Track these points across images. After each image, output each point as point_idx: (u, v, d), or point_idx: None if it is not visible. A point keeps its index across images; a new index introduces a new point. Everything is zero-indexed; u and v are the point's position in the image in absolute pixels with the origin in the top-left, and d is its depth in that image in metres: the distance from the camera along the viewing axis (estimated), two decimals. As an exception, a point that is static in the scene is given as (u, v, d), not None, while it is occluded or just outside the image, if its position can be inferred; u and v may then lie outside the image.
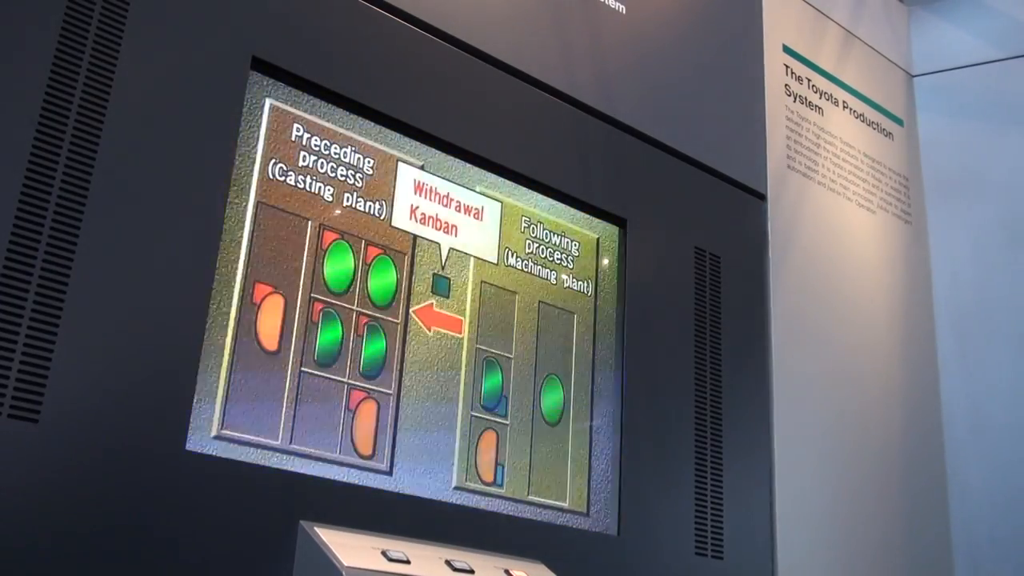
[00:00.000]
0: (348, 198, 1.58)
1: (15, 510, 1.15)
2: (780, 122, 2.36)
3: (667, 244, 2.01)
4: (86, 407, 1.23)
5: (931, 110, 2.79)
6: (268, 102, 1.52)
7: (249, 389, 1.41)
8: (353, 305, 1.55)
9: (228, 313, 1.41)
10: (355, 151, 1.61)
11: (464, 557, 1.45)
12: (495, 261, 1.72)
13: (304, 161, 1.54)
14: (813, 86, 2.49)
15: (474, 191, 1.74)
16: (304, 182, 1.54)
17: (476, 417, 1.65)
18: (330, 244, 1.55)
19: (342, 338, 1.52)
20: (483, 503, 1.61)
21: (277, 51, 1.52)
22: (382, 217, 1.61)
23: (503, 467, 1.66)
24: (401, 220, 1.63)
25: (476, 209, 1.74)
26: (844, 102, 2.58)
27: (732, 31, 2.34)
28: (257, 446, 1.40)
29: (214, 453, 1.35)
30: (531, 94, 1.87)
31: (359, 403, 1.52)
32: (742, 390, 2.05)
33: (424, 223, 1.66)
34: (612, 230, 1.94)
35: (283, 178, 1.52)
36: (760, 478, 2.02)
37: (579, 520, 1.73)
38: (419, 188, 1.67)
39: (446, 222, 1.69)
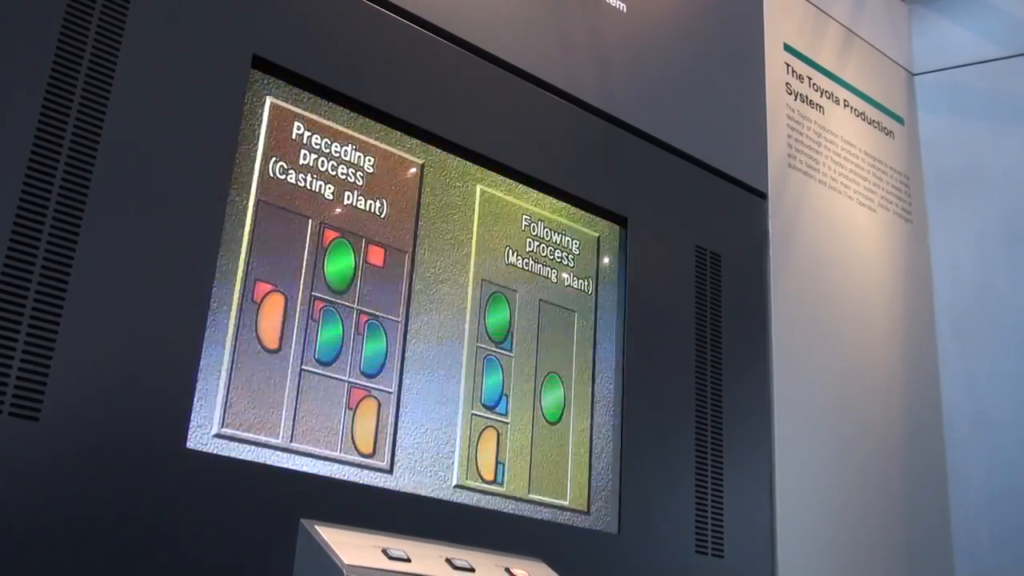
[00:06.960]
0: (349, 196, 1.58)
1: (16, 508, 1.15)
2: (781, 120, 2.36)
3: (668, 243, 2.01)
4: (87, 405, 1.23)
5: (932, 109, 2.79)
6: (269, 100, 1.52)
7: (250, 387, 1.41)
8: (354, 303, 1.55)
9: (229, 311, 1.41)
10: (356, 149, 1.61)
11: (465, 555, 1.45)
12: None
13: (305, 159, 1.54)
14: (814, 84, 2.49)
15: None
16: (305, 180, 1.54)
17: (477, 415, 1.65)
18: (331, 242, 1.54)
19: (343, 336, 1.52)
20: (484, 501, 1.61)
21: (278, 49, 1.52)
22: (383, 215, 1.61)
23: (504, 465, 1.66)
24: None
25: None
26: (845, 100, 2.58)
27: (733, 29, 2.34)
28: (258, 444, 1.40)
29: (215, 451, 1.35)
30: (532, 92, 1.86)
31: (360, 401, 1.52)
32: (742, 388, 2.05)
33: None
34: (613, 228, 1.94)
35: (284, 176, 1.51)
36: (760, 476, 2.02)
37: (580, 518, 1.73)
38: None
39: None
